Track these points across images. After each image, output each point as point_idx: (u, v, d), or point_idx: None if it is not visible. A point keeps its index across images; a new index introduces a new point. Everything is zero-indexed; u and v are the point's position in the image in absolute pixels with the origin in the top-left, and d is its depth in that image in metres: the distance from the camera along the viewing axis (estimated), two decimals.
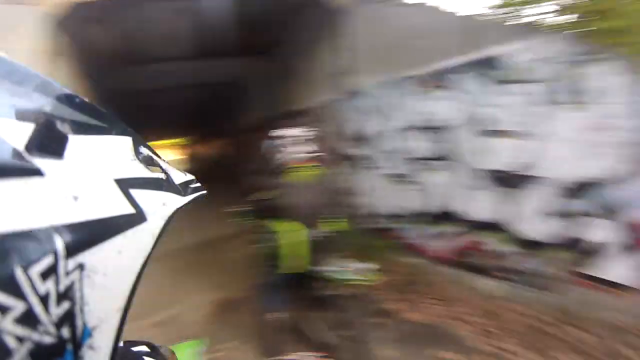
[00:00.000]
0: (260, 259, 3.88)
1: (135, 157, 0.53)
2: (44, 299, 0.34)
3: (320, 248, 3.27)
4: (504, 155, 3.96)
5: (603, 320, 3.61)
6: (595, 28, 3.50)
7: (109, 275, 0.41)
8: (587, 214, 3.56)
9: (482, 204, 4.22)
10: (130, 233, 0.44)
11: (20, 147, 0.35)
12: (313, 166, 3.48)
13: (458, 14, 5.06)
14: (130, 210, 0.46)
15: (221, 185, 20.87)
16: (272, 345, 3.70)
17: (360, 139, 5.83)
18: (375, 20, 5.54)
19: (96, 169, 0.43)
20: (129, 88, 9.86)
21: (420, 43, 4.73)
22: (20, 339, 0.31)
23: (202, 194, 0.75)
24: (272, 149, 3.46)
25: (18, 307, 0.31)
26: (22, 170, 0.34)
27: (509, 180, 3.95)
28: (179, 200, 0.61)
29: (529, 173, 3.79)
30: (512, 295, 4.07)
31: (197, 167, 36.92)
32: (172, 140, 50.38)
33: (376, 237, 5.87)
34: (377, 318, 4.22)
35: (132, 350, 1.03)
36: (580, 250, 3.65)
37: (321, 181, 3.51)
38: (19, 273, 0.32)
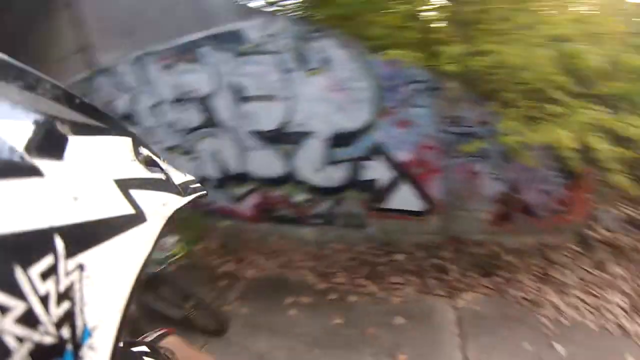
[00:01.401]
0: None
1: (135, 158, 0.53)
2: (44, 299, 0.34)
3: None
4: (267, 117, 4.58)
5: (410, 242, 4.45)
6: (318, 14, 4.22)
7: (109, 276, 0.42)
8: (359, 159, 4.43)
9: (267, 162, 4.84)
10: (130, 233, 0.45)
11: (20, 147, 0.35)
12: None
13: None
14: (130, 210, 0.46)
15: None
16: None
17: (126, 117, 5.80)
18: None
19: (96, 170, 0.44)
20: None
21: (159, 19, 4.80)
22: (20, 339, 0.32)
23: (203, 194, 0.76)
24: None
25: (18, 307, 0.32)
26: (22, 171, 0.35)
27: (281, 138, 4.60)
28: (179, 201, 0.62)
29: (296, 130, 4.48)
30: (327, 237, 4.68)
31: None
32: None
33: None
34: (215, 283, 4.54)
35: (132, 350, 1.06)
36: (367, 189, 4.51)
37: None
38: (19, 273, 0.32)
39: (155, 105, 5.33)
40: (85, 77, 5.89)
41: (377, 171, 4.39)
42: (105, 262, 0.41)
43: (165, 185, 0.58)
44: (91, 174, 0.42)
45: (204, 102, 4.87)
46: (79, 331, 0.38)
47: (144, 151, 0.57)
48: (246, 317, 3.97)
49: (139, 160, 0.54)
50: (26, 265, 0.33)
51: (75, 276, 0.38)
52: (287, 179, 4.74)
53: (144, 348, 1.06)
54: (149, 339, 1.18)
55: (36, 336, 0.33)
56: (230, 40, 4.37)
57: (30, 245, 0.34)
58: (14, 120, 0.36)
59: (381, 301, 3.74)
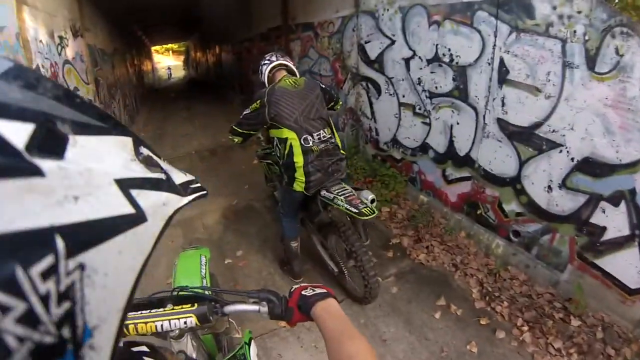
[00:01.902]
0: (270, 170, 4.50)
1: (135, 157, 0.53)
2: (45, 299, 0.35)
3: (325, 164, 3.49)
4: (522, 110, 3.85)
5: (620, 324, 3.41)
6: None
7: (109, 275, 0.42)
8: (600, 197, 3.40)
9: (497, 157, 4.20)
10: (130, 233, 0.46)
11: (21, 147, 0.36)
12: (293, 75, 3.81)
13: None
14: (131, 210, 0.47)
15: (220, 93, 19.24)
16: (294, 270, 4.18)
17: (376, 61, 5.86)
18: None
19: (96, 169, 0.44)
20: None
21: None
22: (20, 339, 0.32)
23: (203, 194, 0.77)
24: (260, 67, 3.84)
25: (19, 307, 0.32)
26: (22, 170, 0.35)
27: (525, 139, 3.89)
28: (179, 201, 0.62)
29: (546, 136, 3.69)
30: (515, 259, 4.18)
31: (195, 73, 34.88)
32: (171, 46, 47.79)
33: (384, 164, 6.11)
34: (383, 251, 4.57)
35: (132, 350, 1.06)
36: (589, 234, 3.53)
37: (312, 85, 3.67)
38: (19, 273, 0.32)
39: (408, 58, 5.24)
40: (351, 14, 6.34)
41: (612, 220, 3.36)
42: (106, 261, 0.42)
43: (166, 185, 0.59)
44: (92, 173, 0.42)
45: (461, 70, 4.47)
46: (79, 331, 0.39)
47: (145, 151, 0.57)
48: (392, 298, 3.97)
49: (139, 159, 0.54)
50: (26, 264, 0.33)
51: (75, 276, 0.38)
52: (509, 182, 4.16)
53: (144, 348, 1.09)
54: (308, 291, 1.24)
55: (36, 336, 0.34)
56: (513, 11, 3.74)
57: (30, 245, 0.34)
58: (14, 119, 0.36)
59: (525, 354, 3.35)
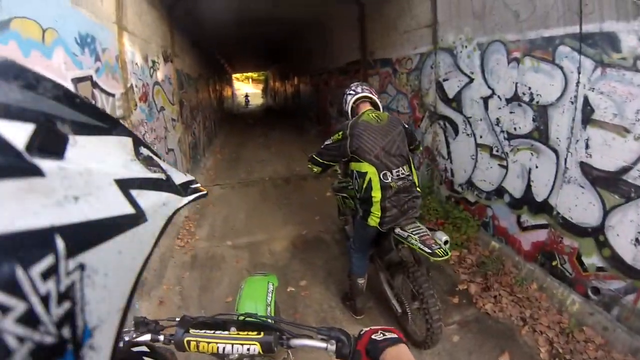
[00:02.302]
0: (344, 204, 4.43)
1: (135, 158, 0.54)
2: (45, 299, 0.35)
3: (401, 201, 3.46)
4: (610, 152, 3.53)
5: None
6: None
7: (109, 276, 0.43)
8: None
9: (579, 204, 3.91)
10: (130, 233, 0.46)
11: (21, 147, 0.36)
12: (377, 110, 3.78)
13: None
14: (131, 210, 0.47)
15: (296, 122, 18.44)
16: (356, 306, 4.12)
17: (454, 100, 5.78)
18: None
19: (96, 169, 0.44)
20: (208, 19, 10.25)
21: (518, 5, 4.39)
22: (21, 339, 0.33)
23: (203, 195, 0.77)
24: (345, 97, 3.89)
25: (19, 307, 0.33)
26: (23, 170, 0.36)
27: (614, 184, 3.53)
28: (179, 201, 0.63)
29: (635, 182, 3.34)
30: (592, 319, 3.79)
31: (273, 102, 33.81)
32: (250, 74, 46.64)
33: (457, 207, 5.93)
34: (448, 296, 4.39)
35: (132, 351, 1.04)
36: None
37: (395, 122, 3.65)
38: (19, 273, 0.33)
39: (487, 97, 5.09)
40: (429, 50, 6.31)
41: None
42: (106, 261, 0.42)
43: (166, 185, 0.59)
44: (92, 173, 0.43)
45: (541, 110, 4.25)
46: (79, 331, 0.39)
47: (145, 151, 0.58)
48: (453, 347, 3.78)
49: (139, 160, 0.55)
50: (27, 265, 0.34)
51: (75, 276, 0.38)
52: (591, 232, 3.80)
53: (144, 348, 1.08)
54: (378, 335, 1.21)
55: (37, 336, 0.34)
56: (597, 44, 3.52)
57: (31, 245, 0.34)
58: (14, 119, 0.37)
59: None
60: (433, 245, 3.14)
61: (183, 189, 0.66)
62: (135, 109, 5.24)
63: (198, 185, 0.76)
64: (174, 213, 0.59)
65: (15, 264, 0.32)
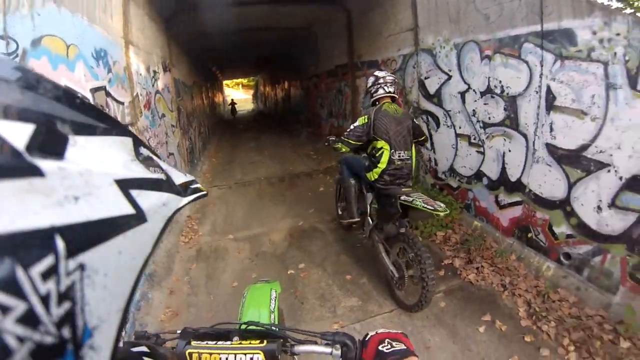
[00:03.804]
0: (354, 165, 4.69)
1: (135, 158, 0.52)
2: (45, 299, 0.33)
3: (397, 175, 3.99)
4: (570, 134, 3.78)
5: None
6: None
7: (109, 276, 0.40)
8: None
9: (547, 181, 4.13)
10: (130, 233, 0.44)
11: (21, 147, 0.34)
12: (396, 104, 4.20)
13: None
14: (131, 210, 0.45)
15: (287, 125, 18.56)
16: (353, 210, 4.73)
17: (435, 96, 5.93)
18: None
19: (97, 170, 0.42)
20: (201, 30, 10.09)
21: (488, 8, 4.59)
22: (21, 339, 0.31)
23: (202, 195, 0.74)
24: (373, 85, 4.23)
25: (19, 307, 0.31)
26: (23, 171, 0.34)
27: (573, 161, 3.78)
28: (179, 201, 0.60)
29: (592, 157, 3.57)
30: (565, 282, 3.94)
31: (263, 106, 33.98)
32: (241, 80, 46.43)
33: (442, 192, 6.08)
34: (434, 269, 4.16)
35: (132, 351, 1.01)
36: None
37: (407, 117, 4.12)
38: (19, 273, 0.31)
39: (464, 91, 5.24)
40: (411, 52, 6.43)
41: None
42: (106, 262, 0.40)
43: (166, 185, 0.57)
44: (92, 173, 0.41)
45: (511, 100, 4.44)
46: (79, 331, 0.37)
47: (144, 151, 0.56)
48: (440, 311, 3.89)
49: (139, 160, 0.53)
50: (27, 265, 0.32)
51: (75, 276, 0.37)
52: (559, 204, 4.01)
53: (144, 348, 1.05)
54: (385, 345, 1.11)
55: (37, 336, 0.33)
56: (557, 40, 3.76)
57: (31, 245, 0.33)
58: (14, 119, 0.35)
59: None
60: (435, 205, 3.36)
61: (183, 189, 0.64)
62: (141, 115, 5.27)
63: (198, 185, 0.74)
64: (174, 213, 0.57)
65: (15, 264, 0.31)
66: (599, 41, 3.34)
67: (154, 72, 6.47)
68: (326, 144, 4.67)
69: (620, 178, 3.34)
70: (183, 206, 0.62)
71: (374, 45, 7.88)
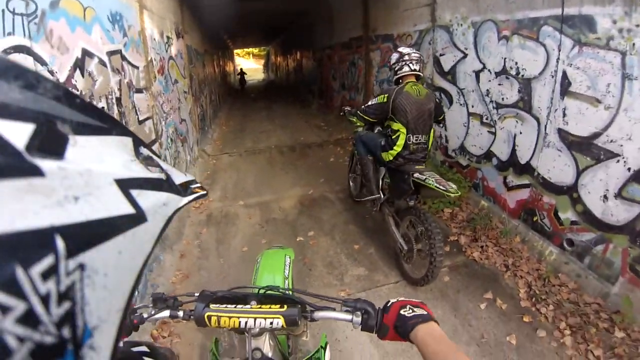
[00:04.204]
0: (370, 144, 4.52)
1: (135, 158, 0.51)
2: (45, 299, 0.33)
3: (412, 157, 3.93)
4: (583, 121, 3.72)
5: None
6: None
7: (109, 276, 0.40)
8: None
9: (557, 166, 4.10)
10: (130, 233, 0.43)
11: (21, 147, 0.33)
12: (421, 84, 4.08)
13: None
14: (131, 210, 0.44)
15: (299, 96, 18.31)
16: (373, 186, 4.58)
17: (450, 73, 5.85)
18: None
19: (97, 169, 0.41)
20: None
21: None
22: (21, 339, 0.31)
23: (202, 194, 0.73)
24: (397, 62, 4.04)
25: (19, 307, 0.31)
26: (23, 170, 0.33)
27: (585, 149, 3.73)
28: (179, 201, 0.60)
29: (604, 146, 3.52)
30: (567, 268, 3.93)
31: (274, 76, 33.22)
32: (251, 50, 45.42)
33: (451, 170, 6.05)
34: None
35: (132, 351, 1.00)
36: None
37: (430, 99, 3.96)
38: (19, 273, 0.31)
39: (478, 71, 5.20)
40: (427, 28, 6.38)
41: None
42: (106, 262, 0.39)
43: (166, 185, 0.56)
44: (92, 173, 0.40)
45: (526, 82, 4.38)
46: (79, 331, 0.37)
47: (145, 151, 0.55)
48: (443, 285, 3.97)
49: (139, 160, 0.52)
50: (27, 265, 0.31)
51: (76, 276, 0.36)
52: (566, 190, 3.99)
53: (144, 348, 1.05)
54: (407, 310, 1.12)
55: (37, 336, 0.32)
56: (577, 26, 3.66)
57: (30, 245, 0.32)
58: (14, 119, 0.34)
59: (564, 356, 3.20)
60: (447, 185, 3.40)
61: (183, 189, 0.63)
62: (155, 80, 5.28)
63: (198, 185, 0.73)
64: (174, 213, 0.56)
65: (15, 264, 0.30)
66: (619, 30, 3.27)
67: (167, 37, 6.45)
68: (341, 113, 4.77)
69: (629, 169, 3.31)
70: (183, 206, 0.61)
71: (389, 19, 7.76)
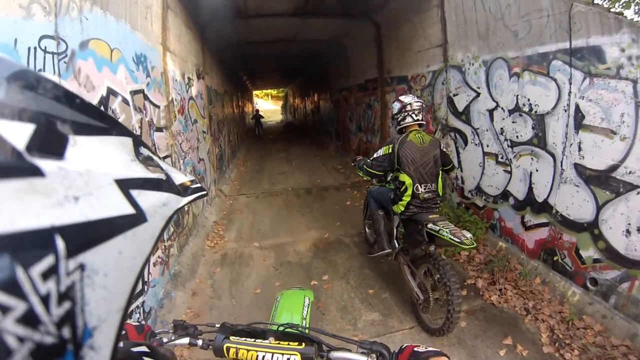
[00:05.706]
0: (380, 197, 4.60)
1: (135, 158, 0.51)
2: (45, 299, 0.33)
3: (423, 205, 3.90)
4: (599, 154, 3.67)
5: None
6: None
7: (109, 276, 0.40)
8: None
9: (575, 202, 4.01)
10: (130, 233, 0.43)
11: (21, 147, 0.34)
12: (424, 131, 4.10)
13: None
14: (131, 210, 0.45)
15: (316, 138, 18.13)
16: (384, 242, 4.48)
17: (464, 113, 5.82)
18: None
19: (97, 170, 0.42)
20: (234, 39, 10.27)
21: (517, 25, 4.54)
22: (21, 339, 0.31)
23: (203, 195, 0.73)
24: (399, 113, 4.07)
25: (19, 307, 0.31)
26: (23, 171, 0.33)
27: (603, 182, 3.66)
28: (179, 201, 0.60)
29: (622, 178, 3.45)
30: (591, 309, 3.76)
31: (292, 118, 33.66)
32: (270, 91, 45.77)
33: (468, 211, 5.92)
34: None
35: (132, 351, 0.99)
36: None
37: (434, 145, 3.96)
38: (19, 273, 0.31)
39: (492, 109, 5.22)
40: (440, 68, 6.45)
41: None
42: (106, 262, 0.40)
43: (166, 185, 0.56)
44: (92, 173, 0.41)
45: (539, 119, 4.37)
46: (79, 331, 0.37)
47: (145, 151, 0.55)
48: (460, 331, 3.83)
49: (139, 160, 0.52)
50: (27, 265, 0.32)
51: (76, 276, 0.36)
52: (587, 227, 3.85)
53: (144, 348, 1.03)
54: (420, 348, 1.15)
55: (37, 336, 0.32)
56: (586, 57, 3.68)
57: (31, 245, 0.32)
58: (14, 119, 0.35)
59: None
60: (461, 237, 3.30)
61: (183, 189, 0.63)
62: (175, 120, 5.39)
63: (198, 185, 0.73)
64: (174, 213, 0.56)
65: (15, 264, 0.30)
66: (628, 58, 3.30)
67: (189, 78, 6.61)
68: (352, 164, 4.81)
69: None
70: (183, 206, 0.62)
71: (403, 60, 7.87)
